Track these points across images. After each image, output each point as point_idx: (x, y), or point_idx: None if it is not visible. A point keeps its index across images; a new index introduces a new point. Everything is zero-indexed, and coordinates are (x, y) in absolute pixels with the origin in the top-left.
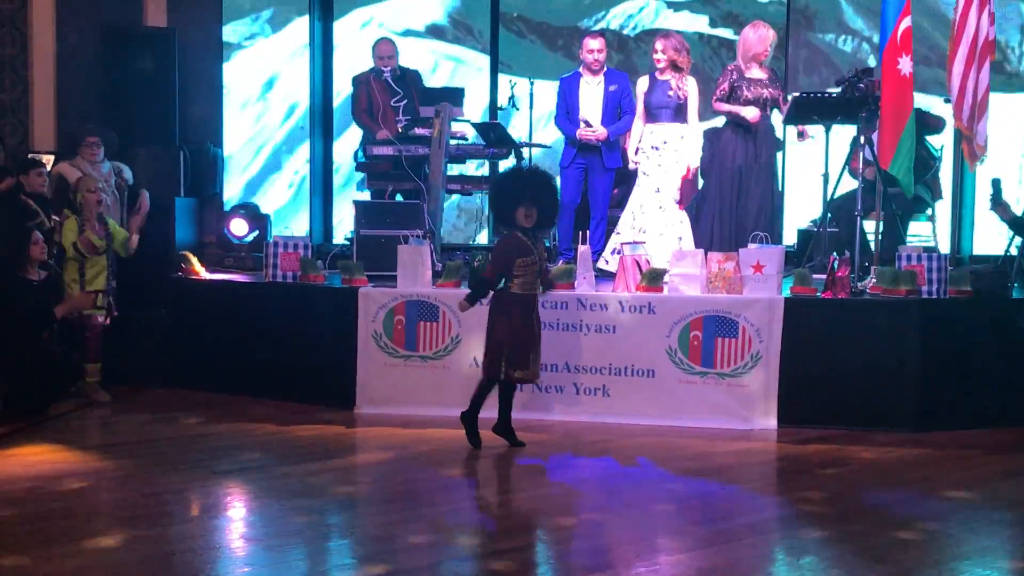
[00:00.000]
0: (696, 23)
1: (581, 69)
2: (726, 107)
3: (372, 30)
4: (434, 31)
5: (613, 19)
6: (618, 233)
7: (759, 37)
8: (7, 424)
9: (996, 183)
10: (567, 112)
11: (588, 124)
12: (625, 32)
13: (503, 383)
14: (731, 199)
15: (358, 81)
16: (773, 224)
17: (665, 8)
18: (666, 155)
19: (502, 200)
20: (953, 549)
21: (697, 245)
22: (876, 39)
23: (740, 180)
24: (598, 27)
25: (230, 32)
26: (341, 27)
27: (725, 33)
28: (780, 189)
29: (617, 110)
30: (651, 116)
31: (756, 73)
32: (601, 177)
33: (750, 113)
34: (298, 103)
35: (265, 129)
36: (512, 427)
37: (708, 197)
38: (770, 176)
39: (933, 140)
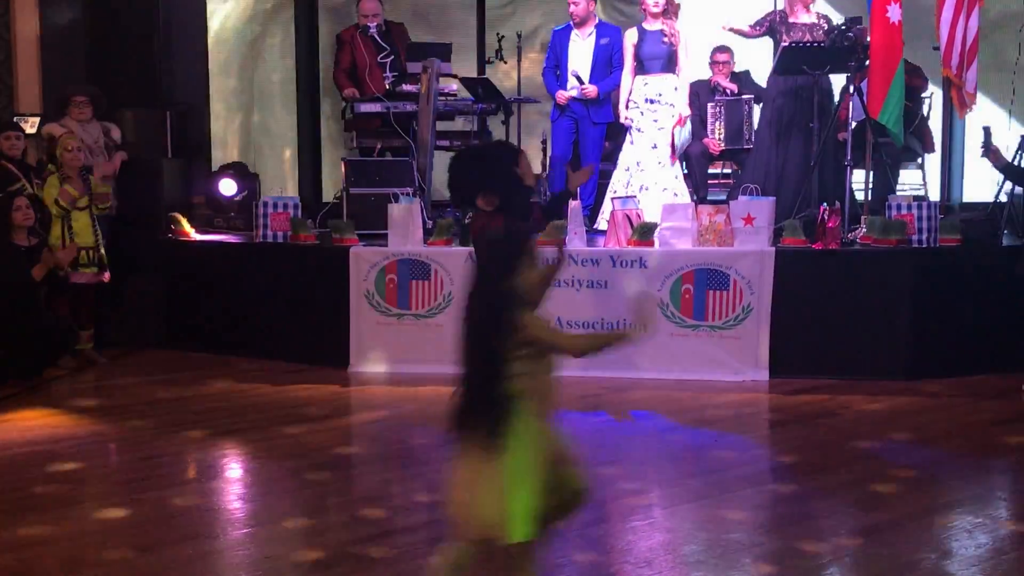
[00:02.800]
0: None
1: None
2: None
3: None
4: None
5: None
6: (614, 192)
7: None
8: (1, 389)
9: (987, 130)
10: (556, 66)
11: (579, 79)
12: None
13: None
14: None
15: (341, 40)
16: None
17: None
18: (661, 109)
19: (459, 184)
20: (945, 496)
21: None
22: None
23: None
24: None
25: None
26: None
27: None
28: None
29: (608, 64)
30: (642, 68)
31: (804, 18)
32: (590, 131)
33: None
34: (285, 58)
35: (252, 85)
36: None
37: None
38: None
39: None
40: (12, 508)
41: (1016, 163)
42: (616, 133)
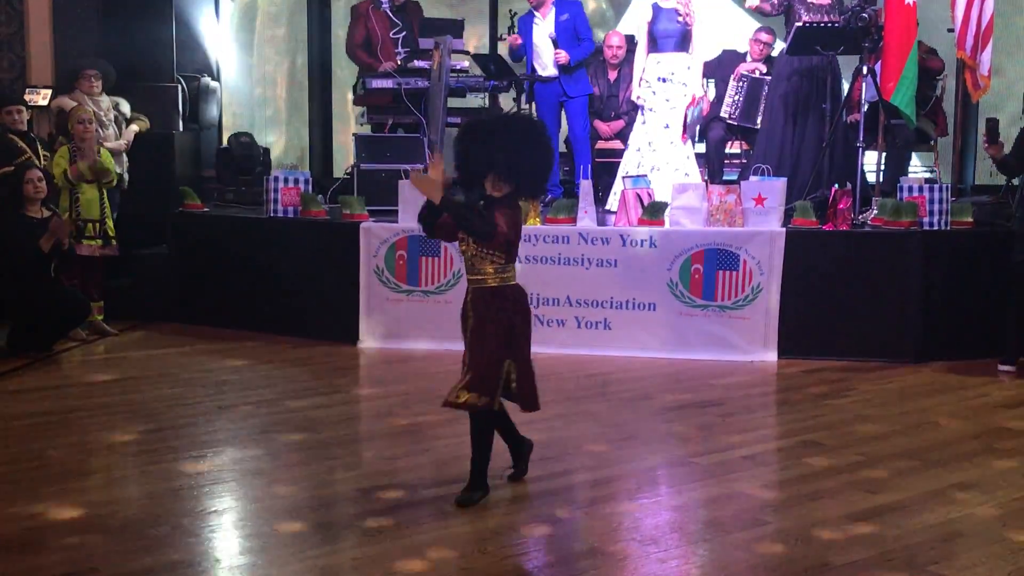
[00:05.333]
0: None
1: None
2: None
3: None
4: None
5: None
6: (626, 172)
7: None
8: (12, 361)
9: (994, 122)
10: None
11: (555, 43)
12: None
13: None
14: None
15: (356, 13)
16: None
17: None
18: (673, 88)
19: (466, 162)
20: (951, 479)
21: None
22: None
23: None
24: None
25: None
26: None
27: None
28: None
29: (575, 37)
30: (655, 46)
31: None
32: (568, 105)
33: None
34: (298, 33)
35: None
36: (473, 476)
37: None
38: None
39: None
40: (25, 478)
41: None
42: (627, 112)
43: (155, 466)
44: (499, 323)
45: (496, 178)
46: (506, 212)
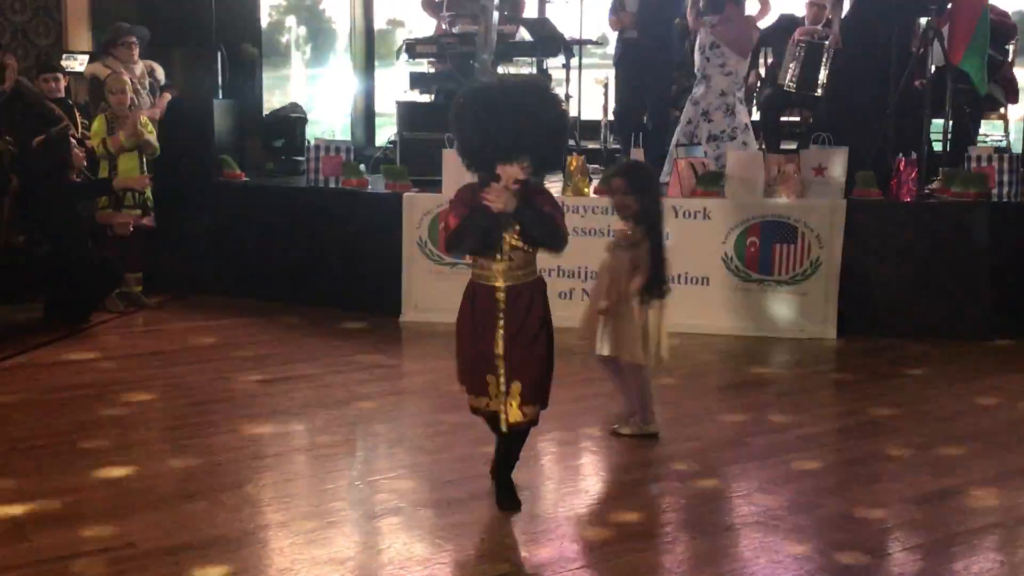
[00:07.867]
0: None
1: None
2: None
3: None
4: None
5: None
6: (679, 145)
7: None
8: (51, 332)
9: None
10: (620, 5)
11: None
12: None
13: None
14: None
15: None
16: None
17: None
18: (728, 54)
19: (472, 142)
20: (1018, 462)
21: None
22: None
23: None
24: None
25: None
26: None
27: None
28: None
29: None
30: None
31: None
32: (655, 68)
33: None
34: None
35: (306, 27)
36: (509, 483)
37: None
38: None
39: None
40: (63, 451)
41: None
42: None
43: (193, 440)
44: (544, 323)
45: (513, 165)
46: (552, 203)
